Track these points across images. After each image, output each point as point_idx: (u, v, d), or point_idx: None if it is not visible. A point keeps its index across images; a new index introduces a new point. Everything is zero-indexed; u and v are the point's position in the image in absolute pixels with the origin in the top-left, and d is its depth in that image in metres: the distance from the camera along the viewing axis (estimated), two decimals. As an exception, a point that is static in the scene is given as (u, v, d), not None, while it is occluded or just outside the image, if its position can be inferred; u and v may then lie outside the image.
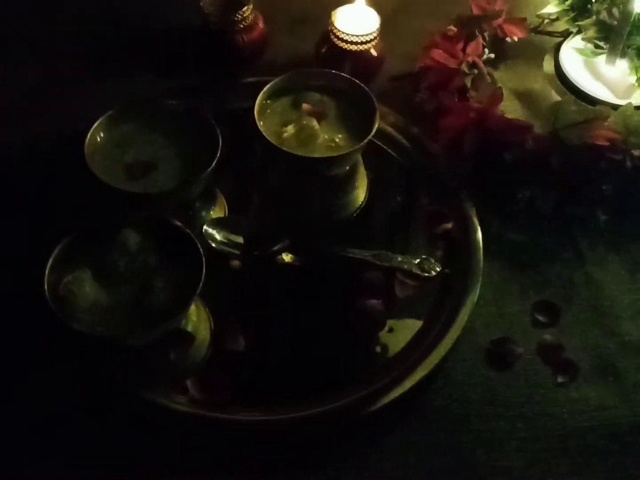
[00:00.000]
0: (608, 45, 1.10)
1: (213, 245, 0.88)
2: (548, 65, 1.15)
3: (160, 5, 1.23)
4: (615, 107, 1.00)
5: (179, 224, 0.79)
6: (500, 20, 1.12)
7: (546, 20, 1.20)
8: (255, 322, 0.87)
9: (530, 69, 1.15)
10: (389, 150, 1.02)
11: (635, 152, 0.95)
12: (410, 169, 1.01)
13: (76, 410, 0.81)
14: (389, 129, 1.03)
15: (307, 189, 0.93)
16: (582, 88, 1.09)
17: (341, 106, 0.91)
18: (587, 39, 1.13)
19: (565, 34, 1.17)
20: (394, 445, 0.80)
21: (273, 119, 0.90)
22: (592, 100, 1.07)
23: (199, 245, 0.77)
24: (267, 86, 0.90)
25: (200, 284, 0.74)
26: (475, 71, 1.05)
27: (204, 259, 0.76)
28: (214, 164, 0.83)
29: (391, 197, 1.00)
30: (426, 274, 0.90)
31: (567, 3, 1.16)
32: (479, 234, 0.93)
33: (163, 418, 0.80)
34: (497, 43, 1.14)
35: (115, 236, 0.77)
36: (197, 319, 0.83)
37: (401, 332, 0.87)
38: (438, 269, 0.91)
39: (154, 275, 0.76)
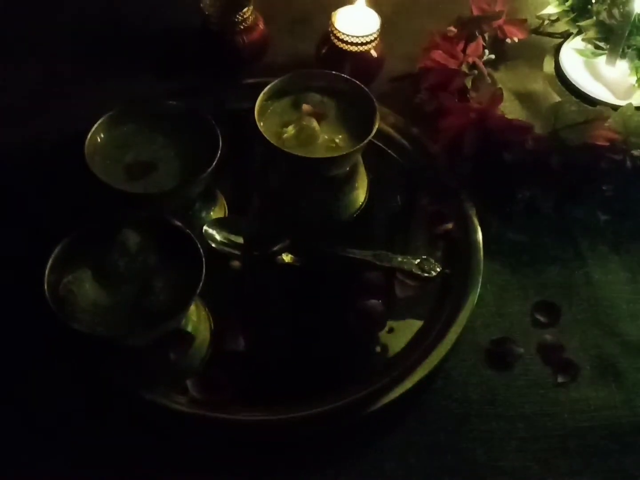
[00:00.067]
0: (608, 46, 1.10)
1: (213, 245, 0.88)
2: (548, 66, 1.15)
3: (160, 6, 1.23)
4: (615, 107, 1.00)
5: (179, 224, 0.79)
6: (500, 21, 1.12)
7: (546, 21, 1.20)
8: (255, 322, 0.87)
9: (530, 69, 1.15)
10: (389, 150, 1.02)
11: (636, 153, 0.95)
12: (410, 169, 1.01)
13: (76, 410, 0.81)
14: (389, 130, 1.03)
15: (307, 189, 0.93)
16: (582, 89, 1.10)
17: (341, 107, 0.91)
18: (587, 40, 1.13)
19: (566, 35, 1.17)
20: (394, 445, 0.80)
21: (273, 120, 0.90)
22: (592, 101, 1.07)
23: (199, 246, 0.77)
24: (268, 87, 0.90)
25: (200, 284, 0.74)
26: (476, 72, 1.05)
27: (204, 259, 0.75)
28: (214, 164, 0.83)
29: (391, 197, 1.00)
30: (426, 274, 0.90)
31: (567, 4, 1.16)
32: (479, 234, 0.93)
33: (163, 418, 0.80)
34: (497, 44, 1.14)
35: (115, 236, 0.77)
36: (197, 319, 0.83)
37: (401, 332, 0.87)
38: (438, 269, 0.91)
39: (154, 275, 0.76)
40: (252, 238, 0.91)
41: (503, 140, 0.96)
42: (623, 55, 1.09)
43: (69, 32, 1.19)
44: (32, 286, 0.74)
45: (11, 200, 0.97)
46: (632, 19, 1.05)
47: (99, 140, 0.86)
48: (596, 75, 1.11)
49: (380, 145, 1.01)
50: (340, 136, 0.88)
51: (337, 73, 0.93)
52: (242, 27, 1.10)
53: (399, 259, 0.91)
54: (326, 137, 0.88)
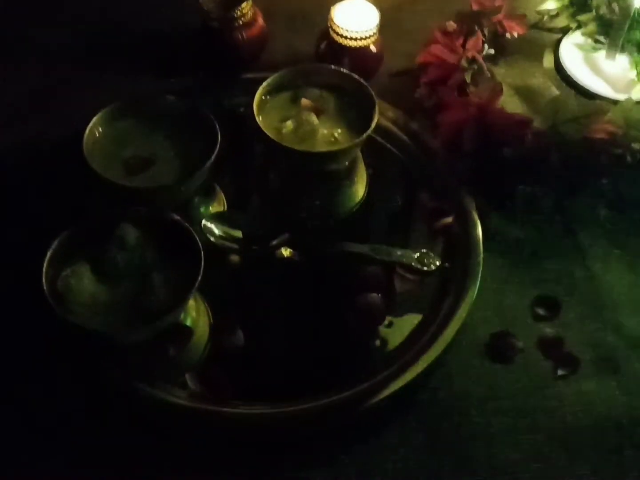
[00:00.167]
0: (608, 40, 1.10)
1: (212, 239, 0.88)
2: (548, 61, 1.15)
3: (160, 5, 1.23)
4: (615, 102, 1.00)
5: (178, 218, 0.79)
6: (500, 16, 1.12)
7: (546, 16, 1.20)
8: (254, 317, 0.87)
9: (530, 64, 1.14)
10: (388, 145, 1.02)
11: (636, 146, 0.95)
12: (410, 164, 1.01)
13: (76, 410, 0.81)
14: (389, 125, 1.03)
15: (307, 184, 0.93)
16: (581, 83, 1.09)
17: (340, 102, 0.91)
18: (586, 34, 1.13)
19: (565, 30, 1.17)
20: (394, 441, 0.80)
21: (272, 115, 0.90)
22: (592, 95, 1.07)
23: (198, 240, 0.77)
24: (266, 82, 0.90)
25: (199, 279, 0.74)
26: (475, 67, 1.05)
27: (202, 253, 0.75)
28: (212, 158, 0.83)
29: (391, 192, 1.00)
30: (426, 268, 0.90)
31: (567, -2, 1.16)
32: (479, 229, 0.93)
33: (162, 413, 0.80)
34: (497, 39, 1.13)
35: (114, 231, 0.77)
36: (196, 314, 0.83)
37: (401, 327, 0.87)
38: (438, 263, 0.91)
39: (153, 270, 0.76)
40: (251, 232, 0.91)
41: (503, 135, 0.96)
42: (623, 50, 1.09)
43: (69, 32, 1.19)
44: (32, 286, 0.74)
45: (11, 200, 0.98)
46: (632, 13, 1.05)
47: (97, 135, 0.86)
48: (596, 69, 1.11)
49: (380, 140, 1.01)
50: (339, 131, 0.88)
51: (336, 68, 0.93)
52: (240, 22, 1.10)
53: (399, 253, 0.91)
54: (325, 131, 0.88)
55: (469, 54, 1.05)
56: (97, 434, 0.80)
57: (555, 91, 1.09)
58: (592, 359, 0.86)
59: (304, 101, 0.90)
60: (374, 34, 1.07)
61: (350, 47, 1.07)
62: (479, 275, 0.89)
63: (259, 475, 0.79)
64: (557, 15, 1.19)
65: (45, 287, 0.73)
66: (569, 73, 1.11)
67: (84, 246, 0.77)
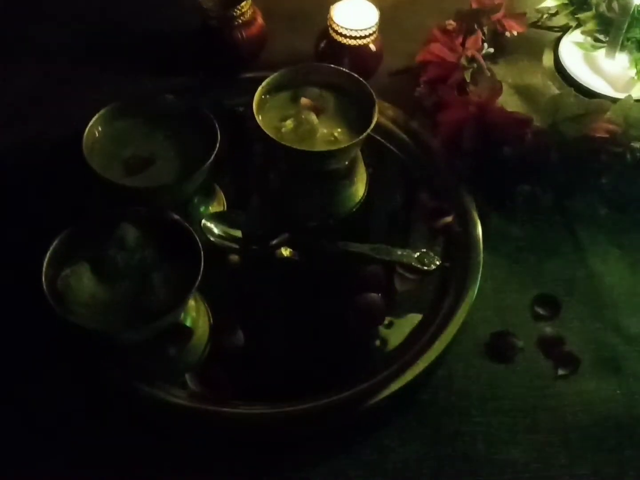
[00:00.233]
0: (607, 39, 1.09)
1: (212, 239, 0.88)
2: (547, 60, 1.14)
3: (160, 5, 1.23)
4: (615, 100, 0.99)
5: (177, 217, 0.79)
6: (499, 15, 1.11)
7: (545, 15, 1.20)
8: (254, 317, 0.87)
9: (529, 63, 1.14)
10: (388, 144, 1.02)
11: (635, 145, 0.95)
12: (410, 163, 1.01)
13: (76, 410, 0.81)
14: (388, 124, 1.03)
15: (306, 183, 0.93)
16: (581, 82, 1.09)
17: (340, 101, 0.91)
18: (586, 33, 1.12)
19: (565, 28, 1.16)
20: (394, 441, 0.80)
21: (272, 114, 0.90)
22: (592, 94, 1.06)
23: (198, 240, 0.77)
24: (266, 81, 0.90)
25: (199, 278, 0.74)
26: (475, 65, 1.05)
27: (202, 253, 0.75)
28: (212, 158, 0.83)
29: (390, 191, 1.00)
30: (426, 268, 0.90)
31: (566, -3, 1.16)
32: (479, 228, 0.93)
33: (162, 412, 0.80)
34: (497, 37, 1.13)
35: (114, 231, 0.77)
36: (195, 314, 0.83)
37: (401, 326, 0.87)
38: (438, 263, 0.91)
39: (153, 270, 0.76)
40: (251, 232, 0.91)
41: (502, 133, 0.96)
42: (622, 48, 1.08)
43: (69, 32, 1.20)
44: (32, 286, 0.74)
45: (11, 200, 0.98)
46: (632, 11, 1.04)
47: (97, 134, 0.86)
48: (595, 68, 1.11)
49: (379, 139, 1.01)
50: (339, 130, 0.88)
51: (336, 67, 0.93)
52: (240, 21, 1.10)
53: (399, 253, 0.91)
54: (325, 131, 0.88)
55: (469, 53, 1.05)
56: (97, 434, 0.80)
57: (555, 90, 1.09)
58: (592, 358, 0.86)
59: (304, 100, 0.90)
60: (374, 32, 1.07)
61: (349, 46, 1.07)
62: (479, 274, 0.89)
63: (259, 475, 0.78)
64: (556, 13, 1.19)
65: (45, 287, 0.73)
66: (568, 72, 1.10)
67: (84, 246, 0.77)
